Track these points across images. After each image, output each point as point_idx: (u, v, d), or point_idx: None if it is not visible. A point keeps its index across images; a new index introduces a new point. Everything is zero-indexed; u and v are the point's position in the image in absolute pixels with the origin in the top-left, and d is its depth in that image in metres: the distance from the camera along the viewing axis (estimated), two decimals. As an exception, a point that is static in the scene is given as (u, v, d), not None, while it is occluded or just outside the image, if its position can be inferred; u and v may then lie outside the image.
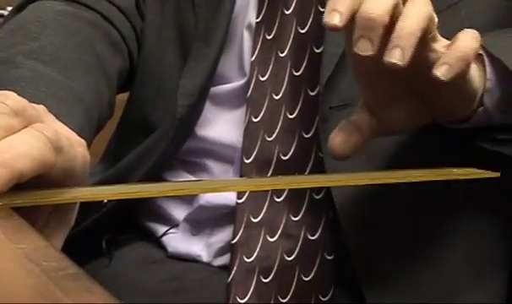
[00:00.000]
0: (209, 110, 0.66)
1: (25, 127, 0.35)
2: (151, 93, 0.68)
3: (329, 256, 0.61)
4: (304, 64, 0.62)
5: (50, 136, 0.35)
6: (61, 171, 0.36)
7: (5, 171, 0.33)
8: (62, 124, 0.39)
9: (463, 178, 0.49)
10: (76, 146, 0.38)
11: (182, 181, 0.67)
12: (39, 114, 0.37)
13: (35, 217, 0.36)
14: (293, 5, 0.63)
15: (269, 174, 0.62)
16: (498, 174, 0.49)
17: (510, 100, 0.55)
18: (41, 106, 0.39)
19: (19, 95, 0.38)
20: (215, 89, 0.66)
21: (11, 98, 0.36)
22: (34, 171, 0.34)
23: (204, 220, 0.65)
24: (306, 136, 0.62)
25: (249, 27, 0.65)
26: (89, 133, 0.55)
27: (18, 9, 0.64)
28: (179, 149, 0.67)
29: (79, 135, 0.40)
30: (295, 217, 0.62)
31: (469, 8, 0.60)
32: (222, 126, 0.66)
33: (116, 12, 0.67)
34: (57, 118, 0.40)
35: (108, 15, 0.66)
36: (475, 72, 0.51)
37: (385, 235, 0.61)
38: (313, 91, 0.62)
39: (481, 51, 0.52)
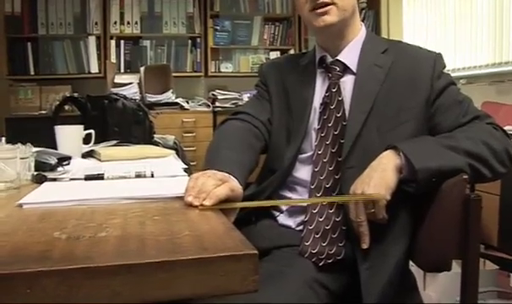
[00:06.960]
0: (297, 165, 1.48)
1: (223, 183, 1.16)
2: (274, 156, 1.52)
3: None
4: (336, 146, 1.41)
5: (230, 186, 1.16)
6: (233, 197, 1.17)
7: (215, 198, 1.12)
8: (234, 180, 1.21)
9: (362, 199, 1.27)
10: (237, 189, 1.19)
11: (284, 200, 1.49)
12: (228, 177, 1.19)
13: (226, 212, 1.12)
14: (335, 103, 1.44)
15: (319, 194, 1.41)
16: (380, 195, 1.26)
17: (416, 179, 1.27)
18: (226, 174, 1.21)
19: (220, 170, 1.21)
20: (300, 156, 1.48)
21: (218, 174, 1.19)
22: (224, 197, 1.14)
23: (294, 211, 1.47)
24: (336, 177, 1.41)
25: (315, 109, 1.48)
26: (247, 178, 1.36)
27: (221, 123, 1.54)
28: (285, 182, 1.49)
29: (242, 181, 1.22)
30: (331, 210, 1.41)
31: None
32: (303, 172, 1.47)
33: (260, 123, 1.54)
34: (234, 176, 1.22)
35: (257, 125, 1.54)
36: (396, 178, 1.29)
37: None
38: (340, 157, 1.41)
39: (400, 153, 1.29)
